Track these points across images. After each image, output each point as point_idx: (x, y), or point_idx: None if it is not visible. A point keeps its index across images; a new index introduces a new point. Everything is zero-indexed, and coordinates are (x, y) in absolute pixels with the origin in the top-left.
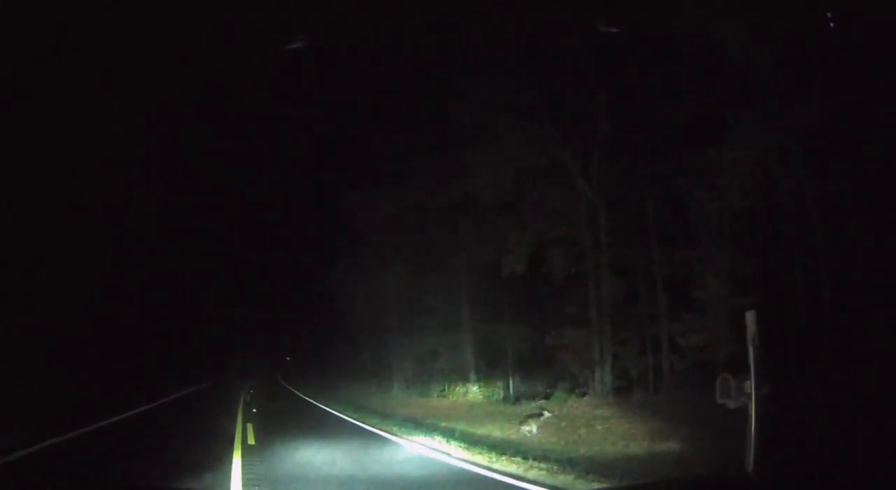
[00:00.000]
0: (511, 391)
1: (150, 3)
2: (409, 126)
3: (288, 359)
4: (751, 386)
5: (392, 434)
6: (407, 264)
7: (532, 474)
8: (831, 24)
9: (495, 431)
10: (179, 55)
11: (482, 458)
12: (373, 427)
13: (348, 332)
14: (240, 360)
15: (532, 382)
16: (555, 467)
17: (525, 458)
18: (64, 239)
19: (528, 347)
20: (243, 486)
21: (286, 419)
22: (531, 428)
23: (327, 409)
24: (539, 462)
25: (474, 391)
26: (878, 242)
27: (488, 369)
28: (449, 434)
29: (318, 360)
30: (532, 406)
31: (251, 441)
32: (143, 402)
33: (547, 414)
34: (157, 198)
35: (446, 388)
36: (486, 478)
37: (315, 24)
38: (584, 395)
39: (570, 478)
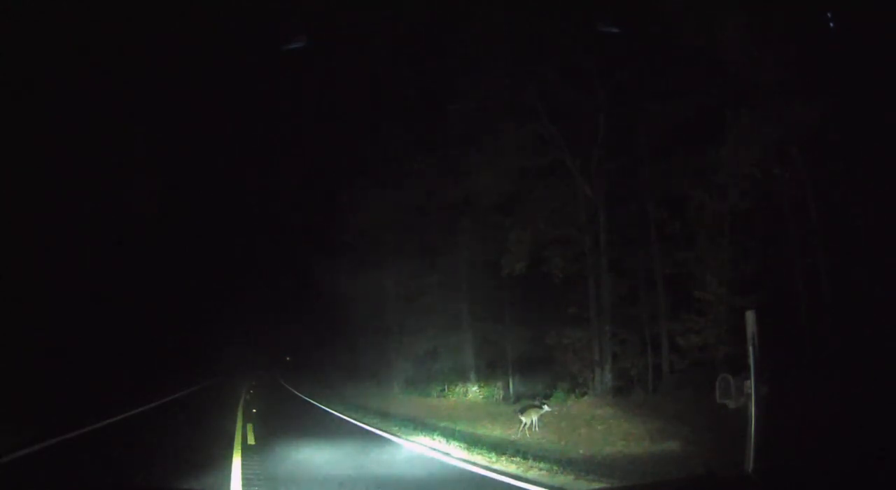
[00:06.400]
0: (511, 391)
1: (149, 3)
2: (409, 126)
3: (288, 358)
4: (751, 386)
5: (392, 434)
6: (407, 264)
7: (532, 474)
8: (831, 24)
9: (495, 431)
10: (178, 54)
11: (482, 458)
12: (373, 427)
13: (348, 331)
14: (239, 359)
15: (532, 382)
16: (555, 467)
17: (525, 458)
18: (63, 238)
19: (528, 347)
20: (243, 486)
21: (286, 419)
22: (531, 418)
23: (327, 408)
24: (539, 462)
25: (474, 391)
26: (878, 242)
27: (488, 369)
28: (449, 434)
29: (317, 360)
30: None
31: (251, 441)
32: (143, 402)
33: (546, 408)
34: (156, 196)
35: (446, 388)
36: (486, 478)
37: (314, 23)
38: (583, 395)
39: (570, 478)
